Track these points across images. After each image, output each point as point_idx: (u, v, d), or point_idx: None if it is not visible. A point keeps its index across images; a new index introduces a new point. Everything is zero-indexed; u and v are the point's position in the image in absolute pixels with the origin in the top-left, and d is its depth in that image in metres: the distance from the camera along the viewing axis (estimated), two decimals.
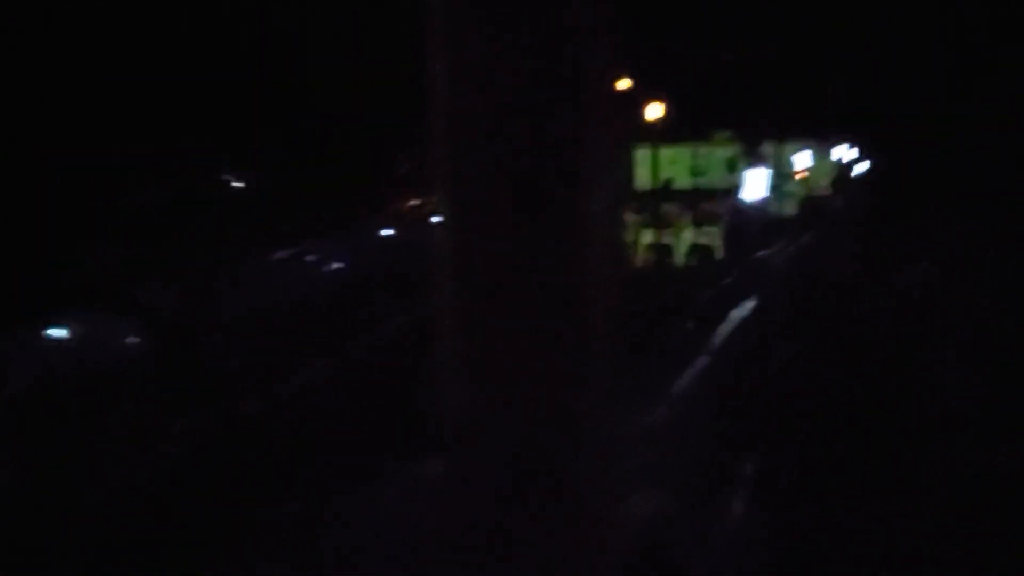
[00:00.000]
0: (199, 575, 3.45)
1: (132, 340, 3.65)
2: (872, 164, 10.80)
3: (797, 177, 11.19)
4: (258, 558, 3.69)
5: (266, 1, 4.65)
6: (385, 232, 5.86)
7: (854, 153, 11.90)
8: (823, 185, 11.23)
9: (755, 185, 10.56)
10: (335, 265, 5.13)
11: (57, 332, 3.44)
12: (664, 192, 10.15)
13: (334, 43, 5.13)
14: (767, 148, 10.96)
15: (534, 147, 1.37)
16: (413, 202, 6.35)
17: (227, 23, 4.73)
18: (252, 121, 4.67)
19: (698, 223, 9.56)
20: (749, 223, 9.51)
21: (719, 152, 10.53)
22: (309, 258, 4.95)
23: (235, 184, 4.35)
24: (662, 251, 9.34)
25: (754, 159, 10.71)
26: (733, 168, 10.44)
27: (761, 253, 7.17)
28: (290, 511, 3.75)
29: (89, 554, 3.34)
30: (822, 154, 11.47)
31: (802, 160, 11.38)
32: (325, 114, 5.29)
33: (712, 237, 9.38)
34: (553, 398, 1.38)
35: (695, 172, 10.50)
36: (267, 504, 3.82)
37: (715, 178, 10.13)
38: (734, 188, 10.35)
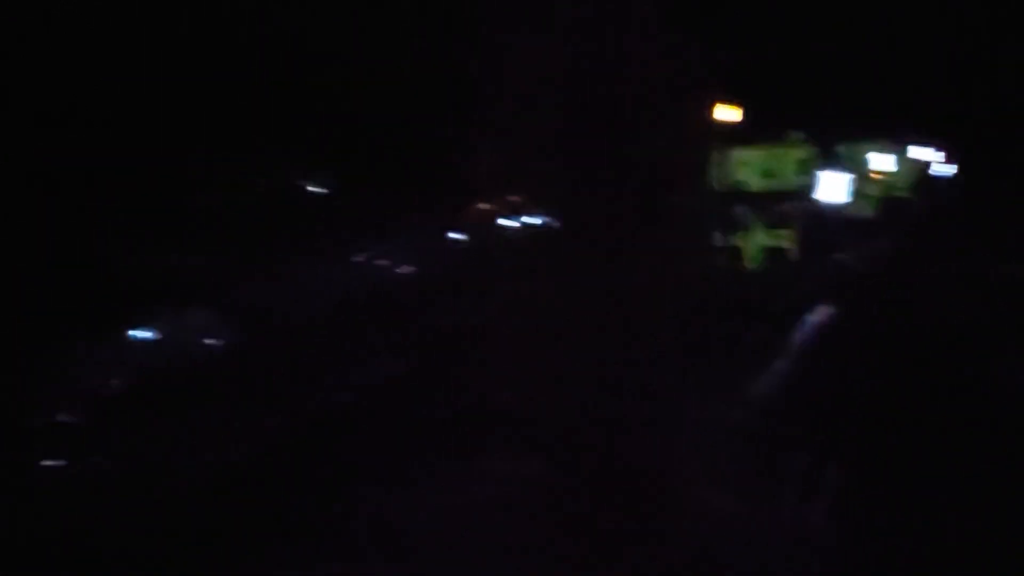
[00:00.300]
0: (278, 565, 3.55)
1: (219, 338, 3.78)
2: (959, 164, 10.46)
3: (874, 178, 10.92)
4: (337, 550, 3.77)
5: (341, 7, 4.77)
6: (452, 235, 5.92)
7: (932, 154, 11.55)
8: (901, 186, 10.92)
9: (832, 187, 10.33)
10: (404, 268, 5.21)
11: (147, 332, 3.59)
12: (735, 194, 10.01)
13: (408, 48, 5.22)
14: (842, 149, 10.72)
15: (631, 149, 1.38)
16: (481, 206, 6.40)
17: (301, 31, 4.86)
18: (326, 127, 4.79)
19: (770, 226, 9.40)
20: (825, 226, 9.31)
21: (792, 154, 10.34)
22: (381, 261, 5.05)
23: (312, 189, 4.47)
24: (733, 254, 9.20)
25: (828, 161, 10.49)
26: (807, 170, 10.24)
27: (839, 256, 7.02)
28: (372, 504, 3.83)
29: (182, 542, 3.47)
30: (900, 155, 11.16)
31: (879, 161, 11.09)
32: (396, 120, 5.38)
33: (785, 240, 9.20)
34: (640, 395, 1.39)
35: (767, 174, 10.33)
36: (349, 496, 3.90)
37: (788, 180, 9.95)
38: (807, 190, 10.15)
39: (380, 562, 3.58)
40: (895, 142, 11.13)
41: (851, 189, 10.45)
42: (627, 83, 1.22)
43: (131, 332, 3.52)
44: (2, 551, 2.97)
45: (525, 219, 6.75)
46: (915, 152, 11.60)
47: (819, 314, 5.87)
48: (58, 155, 3.58)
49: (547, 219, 7.12)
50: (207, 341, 3.78)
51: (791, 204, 9.58)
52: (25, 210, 3.40)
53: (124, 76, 3.81)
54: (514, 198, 6.52)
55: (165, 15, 3.99)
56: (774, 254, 9.51)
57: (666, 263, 1.35)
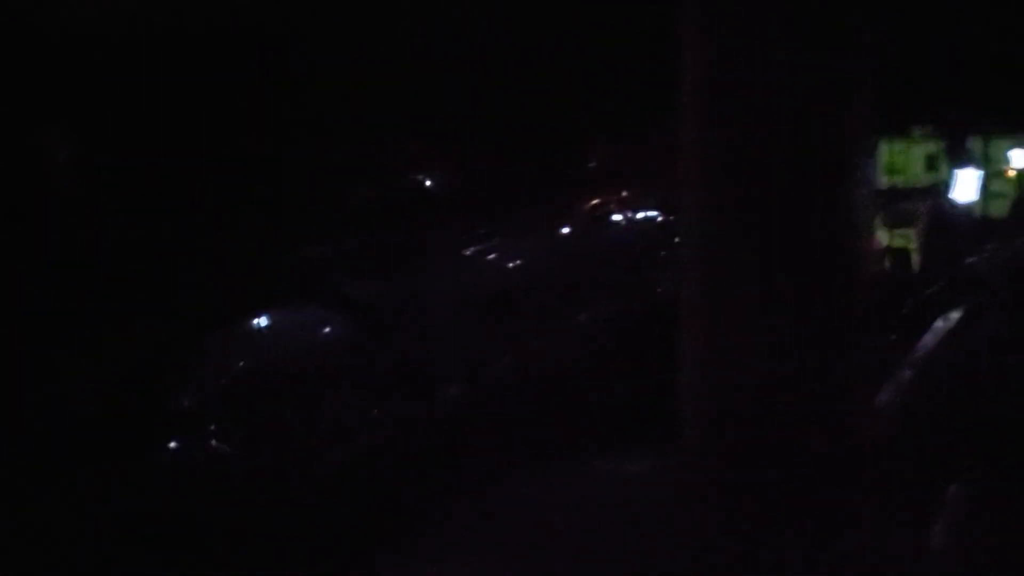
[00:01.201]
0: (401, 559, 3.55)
1: (338, 330, 3.80)
2: None
3: (1009, 176, 10.31)
4: (456, 542, 3.75)
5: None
6: (563, 231, 5.83)
7: None
8: None
9: (965, 185, 9.80)
10: (515, 262, 5.15)
11: (268, 322, 3.62)
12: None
13: (525, 43, 5.15)
14: (974, 144, 10.17)
15: (801, 144, 1.26)
16: (593, 201, 6.28)
17: (421, 20, 4.85)
18: (441, 124, 4.77)
19: (891, 225, 8.98)
20: (952, 225, 8.84)
21: (917, 149, 9.85)
22: (491, 256, 5.00)
23: (427, 184, 4.46)
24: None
25: (959, 156, 9.95)
26: (934, 166, 9.75)
27: (970, 259, 6.63)
28: (500, 499, 3.80)
29: (301, 533, 3.50)
30: None
31: (1016, 157, 10.46)
32: (507, 117, 5.33)
33: (908, 240, 8.78)
34: (811, 390, 1.26)
35: (890, 170, 9.89)
36: (469, 489, 3.88)
37: (913, 176, 9.49)
38: (934, 187, 9.66)
39: (504, 559, 3.53)
40: None
41: (983, 186, 9.90)
42: (828, 83, 1.13)
43: (252, 322, 3.56)
44: (125, 535, 3.04)
45: (641, 214, 6.60)
46: None
47: (947, 321, 5.55)
48: (181, 146, 3.64)
49: (662, 214, 6.95)
50: (326, 332, 3.79)
51: (916, 203, 9.13)
52: (149, 202, 3.48)
53: (243, 67, 3.85)
54: (628, 192, 6.37)
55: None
56: (896, 255, 9.09)
57: (849, 259, 1.24)
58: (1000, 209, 9.96)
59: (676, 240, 7.21)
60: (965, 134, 10.12)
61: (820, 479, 1.17)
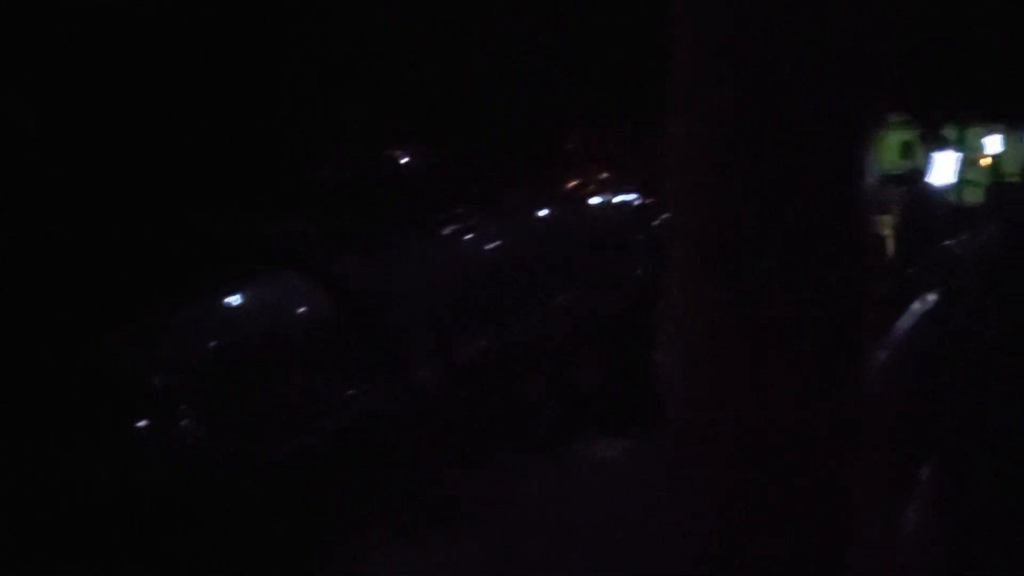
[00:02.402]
0: (367, 543, 3.50)
1: (312, 308, 3.73)
2: None
3: (982, 163, 10.39)
4: (429, 527, 3.71)
5: None
6: (542, 212, 5.79)
7: None
8: (1012, 171, 10.36)
9: (942, 168, 9.85)
10: (493, 244, 5.10)
11: (243, 298, 3.54)
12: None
13: (506, 17, 5.08)
14: (949, 132, 10.23)
15: (807, 131, 1.22)
16: (572, 183, 6.24)
17: (397, 3, 4.77)
18: (418, 97, 4.70)
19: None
20: (927, 212, 8.90)
21: (893, 136, 9.89)
22: (468, 236, 4.94)
23: (402, 160, 4.39)
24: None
25: (934, 143, 10.00)
26: (909, 154, 9.80)
27: (947, 242, 6.67)
28: (472, 484, 3.76)
29: (272, 512, 3.44)
30: (1013, 138, 10.58)
31: (990, 144, 10.54)
32: (487, 96, 5.26)
33: (883, 226, 8.82)
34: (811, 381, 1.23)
35: None
36: (444, 473, 3.83)
37: (888, 163, 9.53)
38: (910, 174, 9.71)
39: (479, 545, 3.50)
40: (1005, 124, 10.57)
41: (959, 170, 9.94)
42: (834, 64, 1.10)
43: (227, 297, 3.48)
44: (93, 513, 2.98)
45: (620, 197, 6.56)
46: None
47: (923, 303, 5.57)
48: (153, 116, 3.55)
49: (642, 198, 6.92)
50: (304, 308, 3.72)
51: (891, 190, 9.17)
52: (117, 174, 3.39)
53: (219, 36, 3.76)
54: (607, 174, 6.33)
55: None
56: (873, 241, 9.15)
57: (854, 248, 1.21)
58: (975, 197, 10.04)
59: (655, 223, 7.21)
60: (941, 122, 10.18)
61: (818, 468, 1.14)
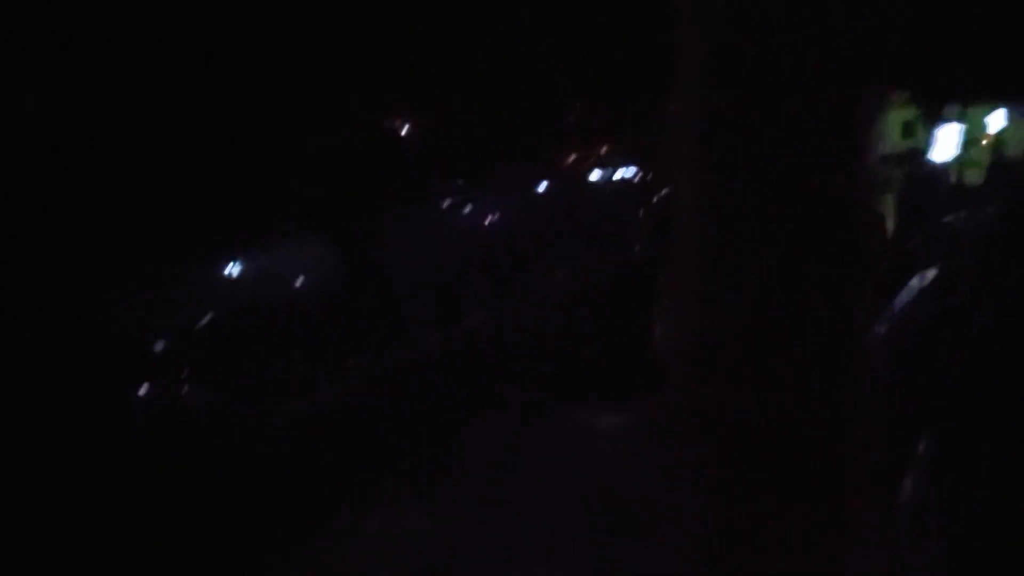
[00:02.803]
0: (366, 508, 3.53)
1: (315, 272, 3.74)
2: None
3: (984, 142, 10.34)
4: (426, 491, 3.73)
5: None
6: (542, 186, 5.79)
7: None
8: (1013, 148, 10.31)
9: (945, 142, 9.79)
10: (492, 216, 5.10)
11: (250, 261, 3.55)
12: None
13: None
14: (950, 109, 10.17)
15: (810, 108, 1.21)
16: (572, 156, 6.23)
17: None
18: (418, 68, 4.68)
19: None
20: (927, 188, 8.88)
21: (894, 115, 9.84)
22: (467, 209, 4.95)
23: (403, 131, 4.38)
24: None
25: (936, 121, 9.95)
26: (910, 133, 9.75)
27: (946, 219, 6.67)
28: (474, 448, 3.77)
29: (273, 479, 3.47)
30: (1016, 117, 10.53)
31: (992, 123, 10.49)
32: (492, 65, 5.24)
33: (883, 205, 8.80)
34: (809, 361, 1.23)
35: None
36: (442, 439, 3.85)
37: (889, 142, 9.49)
38: (910, 152, 9.67)
39: (475, 509, 3.53)
40: (1008, 103, 10.51)
41: (961, 145, 9.89)
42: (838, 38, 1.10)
43: (233, 261, 3.48)
44: (94, 479, 3.00)
45: (620, 171, 6.55)
46: None
47: (923, 279, 5.58)
48: (156, 83, 3.54)
49: (642, 172, 6.91)
50: (302, 277, 3.73)
51: (892, 169, 9.14)
52: (122, 139, 3.37)
53: (220, 3, 3.73)
54: (607, 148, 6.32)
55: None
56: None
57: (858, 231, 1.21)
58: (976, 176, 10.01)
59: (655, 198, 7.21)
60: (943, 100, 10.12)
61: (817, 457, 1.14)
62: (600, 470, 4.28)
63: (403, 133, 4.26)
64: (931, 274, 5.54)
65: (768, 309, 1.06)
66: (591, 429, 4.87)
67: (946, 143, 9.88)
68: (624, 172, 6.65)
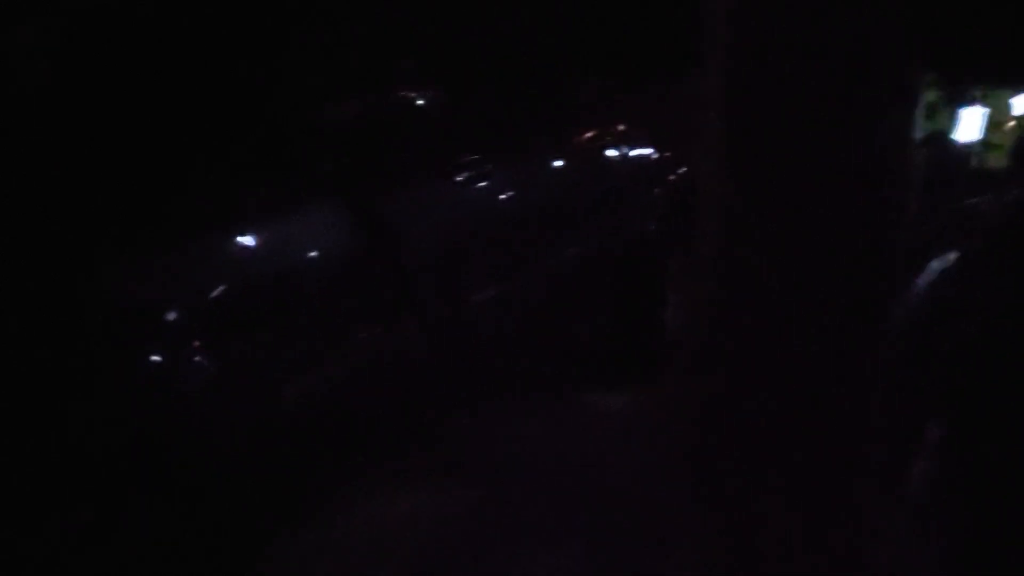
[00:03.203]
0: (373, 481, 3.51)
1: (328, 241, 3.71)
2: None
3: (1008, 126, 10.19)
4: (429, 468, 3.71)
5: None
6: (557, 162, 5.74)
7: None
8: None
9: (969, 124, 9.67)
10: (505, 193, 5.07)
11: (252, 237, 3.52)
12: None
13: None
14: (975, 93, 10.02)
15: (843, 85, 1.17)
16: (588, 134, 6.18)
17: None
18: (436, 39, 4.62)
19: None
20: (950, 170, 8.77)
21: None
22: (481, 184, 4.91)
23: (419, 102, 4.33)
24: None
25: (959, 104, 9.81)
26: (933, 115, 9.61)
27: (969, 201, 6.58)
28: (472, 424, 3.75)
29: (281, 453, 3.46)
30: None
31: (1017, 106, 10.33)
32: (510, 39, 5.18)
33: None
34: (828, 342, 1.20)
35: None
36: (448, 417, 3.83)
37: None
38: (932, 135, 9.54)
39: (476, 487, 3.51)
40: None
41: (985, 127, 9.75)
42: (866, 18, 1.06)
43: (240, 230, 3.45)
44: (100, 451, 2.99)
45: (636, 150, 6.49)
46: None
47: (943, 261, 5.50)
48: (170, 54, 3.50)
49: (658, 152, 6.83)
50: (314, 250, 3.71)
51: (915, 153, 8.99)
52: (128, 104, 3.34)
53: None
54: (623, 127, 6.26)
55: None
56: None
57: (884, 208, 1.18)
58: (998, 160, 9.86)
59: (671, 178, 7.12)
60: (966, 83, 9.97)
61: (828, 453, 1.12)
62: (603, 461, 4.26)
63: (418, 104, 4.22)
64: (951, 257, 5.47)
65: (783, 302, 1.05)
66: (594, 416, 4.85)
67: (972, 121, 9.74)
68: (640, 151, 6.59)
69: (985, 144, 10.15)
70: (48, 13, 3.11)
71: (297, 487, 3.53)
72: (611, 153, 6.05)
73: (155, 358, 3.15)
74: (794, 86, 1.13)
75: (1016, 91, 10.60)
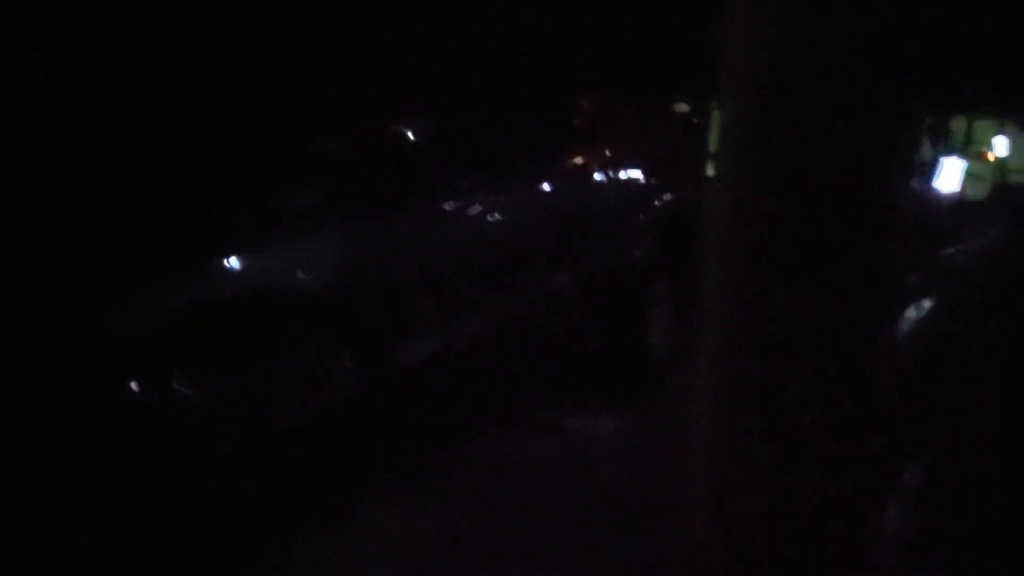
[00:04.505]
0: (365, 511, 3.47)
1: (311, 277, 3.68)
2: None
3: (987, 158, 10.30)
4: (422, 495, 3.67)
5: None
6: (545, 187, 5.74)
7: None
8: (1018, 166, 10.28)
9: (949, 173, 9.79)
10: (495, 218, 5.05)
11: (238, 263, 3.48)
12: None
13: None
14: (956, 124, 10.13)
15: (854, 113, 1.18)
16: (577, 159, 6.18)
17: None
18: (425, 67, 4.61)
19: None
20: (929, 217, 8.83)
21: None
22: (472, 210, 4.90)
23: (409, 136, 4.32)
24: None
25: (941, 138, 9.92)
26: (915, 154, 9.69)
27: (947, 250, 6.61)
28: (463, 451, 3.71)
29: (266, 481, 3.41)
30: (1020, 133, 10.49)
31: (997, 144, 10.46)
32: (499, 66, 5.18)
33: None
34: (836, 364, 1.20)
35: None
36: (439, 443, 3.79)
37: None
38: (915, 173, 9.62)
39: (469, 513, 3.48)
40: (1011, 119, 10.47)
41: (963, 173, 9.86)
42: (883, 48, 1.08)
43: (222, 263, 3.42)
44: (82, 481, 2.94)
45: (625, 175, 6.50)
46: None
47: (919, 310, 5.58)
48: (163, 84, 3.47)
49: (647, 176, 6.84)
50: (300, 278, 3.67)
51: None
52: (122, 130, 3.30)
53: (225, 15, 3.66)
54: (612, 152, 6.27)
55: None
56: None
57: (888, 239, 1.20)
58: (976, 191, 9.95)
59: (658, 203, 7.13)
60: (948, 115, 10.08)
61: (832, 469, 1.12)
62: (602, 476, 4.24)
63: (409, 134, 4.20)
64: (928, 305, 5.51)
65: (796, 317, 1.06)
66: (593, 434, 4.84)
67: (951, 171, 9.83)
68: (630, 174, 6.60)
69: (966, 175, 10.24)
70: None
71: (289, 508, 3.49)
72: (603, 176, 6.06)
73: (135, 387, 3.10)
74: (804, 112, 1.15)
75: (997, 123, 10.73)
